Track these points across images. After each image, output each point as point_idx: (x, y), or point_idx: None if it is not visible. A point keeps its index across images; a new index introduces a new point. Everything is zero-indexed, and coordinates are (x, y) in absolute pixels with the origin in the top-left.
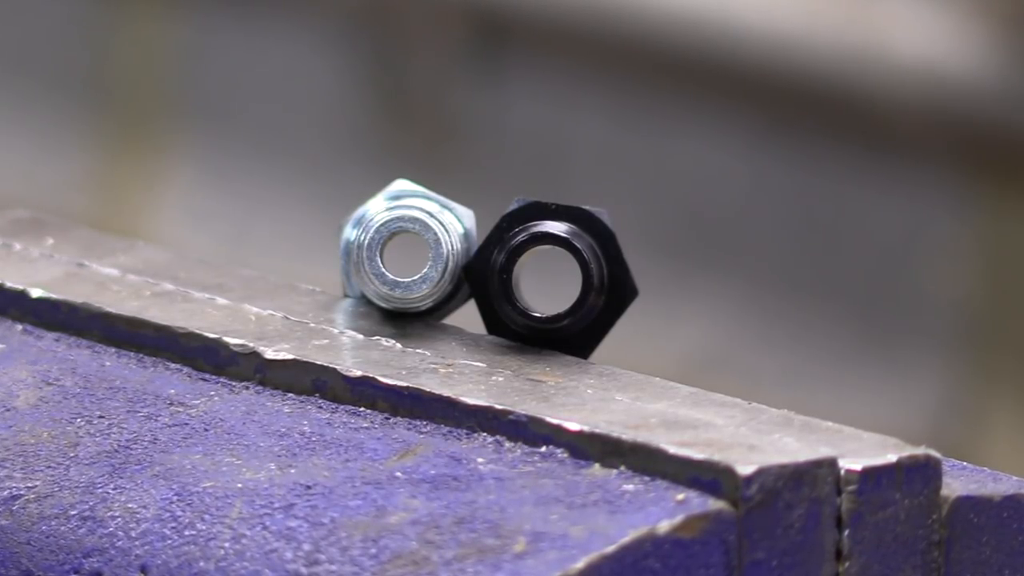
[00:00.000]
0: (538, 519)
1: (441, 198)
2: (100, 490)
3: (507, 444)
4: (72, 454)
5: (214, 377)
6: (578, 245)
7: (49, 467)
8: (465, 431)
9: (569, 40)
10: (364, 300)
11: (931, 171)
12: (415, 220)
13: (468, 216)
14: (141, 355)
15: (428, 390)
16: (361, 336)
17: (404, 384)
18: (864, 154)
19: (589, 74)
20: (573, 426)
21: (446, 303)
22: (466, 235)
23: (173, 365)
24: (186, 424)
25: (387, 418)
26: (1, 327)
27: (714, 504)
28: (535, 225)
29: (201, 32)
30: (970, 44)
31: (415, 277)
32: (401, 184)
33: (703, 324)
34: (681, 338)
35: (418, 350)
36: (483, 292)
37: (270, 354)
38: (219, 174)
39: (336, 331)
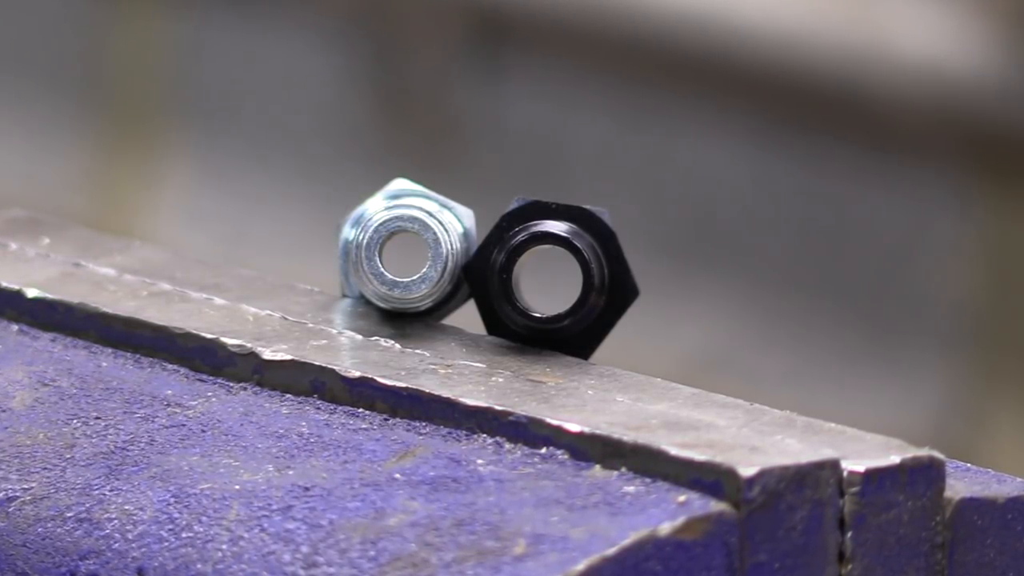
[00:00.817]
0: (538, 521)
1: (440, 197)
2: (96, 492)
3: (507, 445)
4: (68, 455)
5: (211, 378)
6: (578, 245)
7: (45, 469)
8: (465, 432)
9: (569, 38)
10: (363, 300)
11: (934, 170)
12: (414, 219)
13: (468, 215)
14: (138, 356)
15: (427, 391)
16: (360, 336)
17: (403, 385)
18: (866, 153)
19: (589, 73)
20: (574, 427)
21: (445, 303)
22: (465, 235)
23: (170, 366)
24: (183, 425)
25: (386, 419)
26: None
27: (716, 506)
28: (535, 224)
29: (199, 30)
30: (973, 42)
31: (414, 277)
32: (400, 183)
33: (705, 324)
34: (683, 338)
35: (417, 351)
36: (483, 292)
37: (268, 355)
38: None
39: (334, 331)
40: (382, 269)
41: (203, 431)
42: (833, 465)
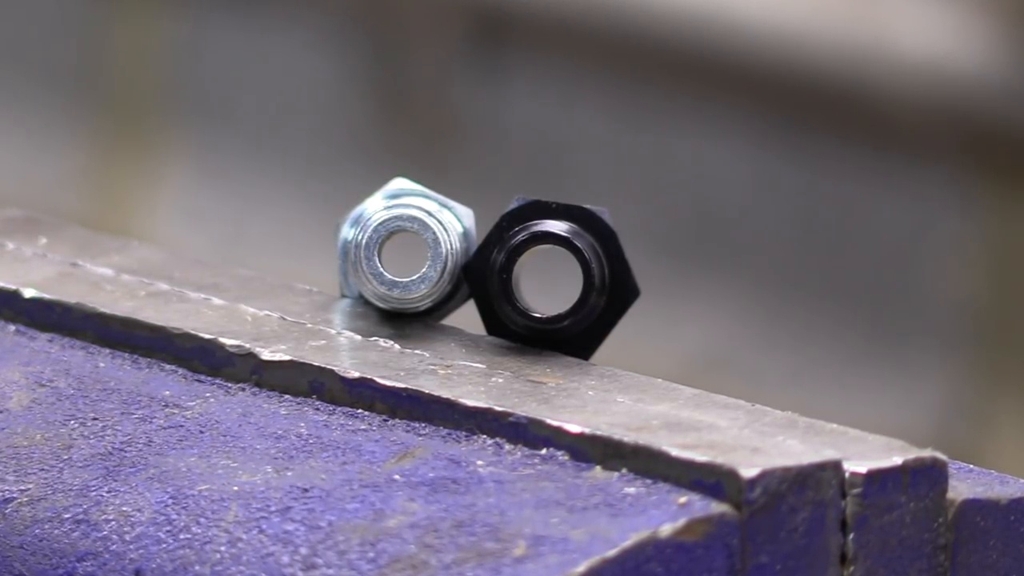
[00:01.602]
0: (538, 522)
1: (440, 197)
2: (94, 493)
3: (507, 446)
4: (66, 456)
5: (210, 378)
6: (579, 244)
7: (42, 470)
8: (464, 433)
9: (570, 37)
10: (362, 300)
11: (936, 169)
12: (414, 219)
13: (467, 215)
14: (136, 356)
15: (427, 392)
16: (359, 337)
17: (402, 386)
18: (869, 152)
19: (590, 71)
20: (574, 428)
21: (445, 303)
22: (465, 234)
23: (168, 366)
24: (181, 426)
25: (385, 420)
26: None
27: (717, 507)
28: (535, 224)
29: (197, 29)
30: (976, 41)
31: (413, 277)
32: (399, 183)
33: (706, 325)
34: (684, 339)
35: (416, 351)
36: (483, 292)
37: (266, 355)
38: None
39: (333, 332)
40: (381, 269)
41: (201, 432)
42: (835, 466)
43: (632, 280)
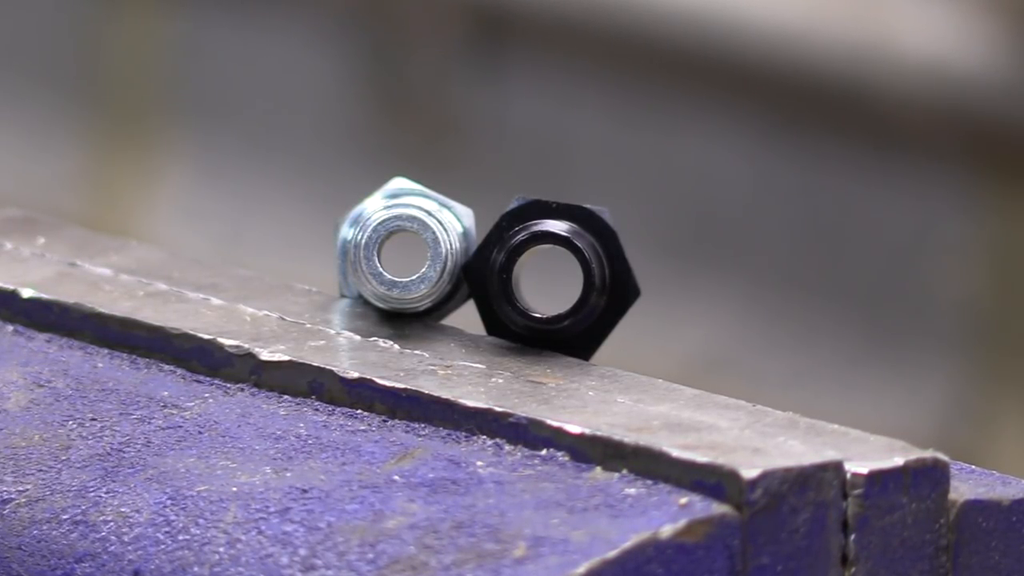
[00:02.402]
0: (538, 523)
1: (440, 196)
2: (92, 494)
3: (507, 447)
4: (64, 457)
5: (208, 379)
6: (579, 244)
7: (40, 471)
8: (464, 434)
9: (570, 36)
10: (361, 300)
11: (938, 170)
12: (413, 219)
13: (467, 215)
14: (134, 356)
15: (427, 392)
16: (358, 337)
17: (402, 386)
18: (870, 152)
19: (590, 70)
20: (574, 429)
21: (445, 303)
22: (465, 234)
23: (167, 367)
24: (180, 427)
25: (385, 420)
26: None
27: (718, 508)
28: (535, 224)
29: (195, 29)
30: (977, 41)
31: (413, 277)
32: (399, 182)
33: (707, 325)
34: (685, 339)
35: (416, 351)
36: (482, 292)
37: (265, 355)
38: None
39: (333, 332)
40: (381, 269)
41: (200, 432)
42: (836, 467)
43: (633, 280)
